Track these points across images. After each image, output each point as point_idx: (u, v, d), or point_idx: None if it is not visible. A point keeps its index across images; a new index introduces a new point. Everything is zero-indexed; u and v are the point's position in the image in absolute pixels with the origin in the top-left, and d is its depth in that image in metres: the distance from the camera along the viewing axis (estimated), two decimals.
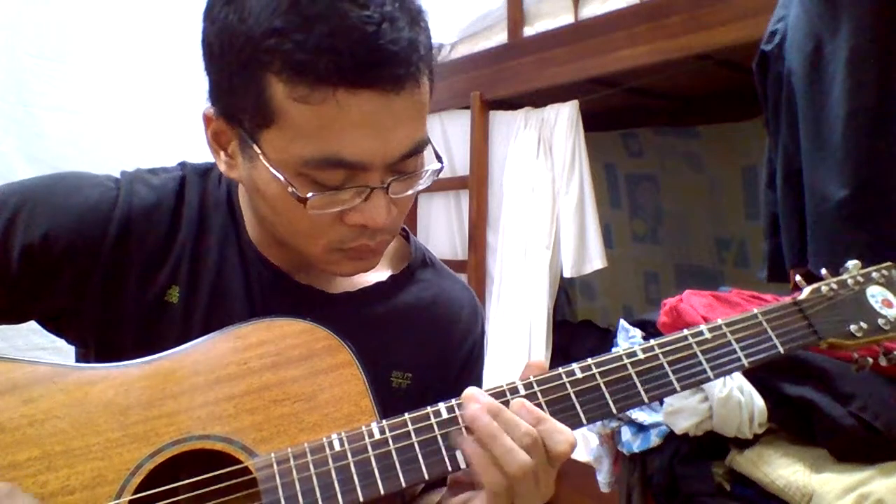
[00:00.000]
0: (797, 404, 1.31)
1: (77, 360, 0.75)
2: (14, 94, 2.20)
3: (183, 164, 0.77)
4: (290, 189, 0.60)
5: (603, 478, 1.70)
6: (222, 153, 0.66)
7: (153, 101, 2.43)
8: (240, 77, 0.58)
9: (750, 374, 1.37)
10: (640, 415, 1.50)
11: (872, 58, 1.23)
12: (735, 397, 1.32)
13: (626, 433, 1.53)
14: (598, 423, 1.59)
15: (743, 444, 1.36)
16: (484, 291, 2.64)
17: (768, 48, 1.46)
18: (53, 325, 0.72)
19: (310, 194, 0.59)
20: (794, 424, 1.34)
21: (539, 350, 2.44)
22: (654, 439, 1.46)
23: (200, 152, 0.76)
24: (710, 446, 1.40)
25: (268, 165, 0.60)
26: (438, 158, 0.66)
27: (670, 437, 1.44)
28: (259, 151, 0.61)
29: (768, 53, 1.46)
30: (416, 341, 0.77)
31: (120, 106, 2.39)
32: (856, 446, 1.25)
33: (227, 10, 0.57)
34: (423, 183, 0.66)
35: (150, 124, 2.42)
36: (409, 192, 0.65)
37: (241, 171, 0.65)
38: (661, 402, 1.45)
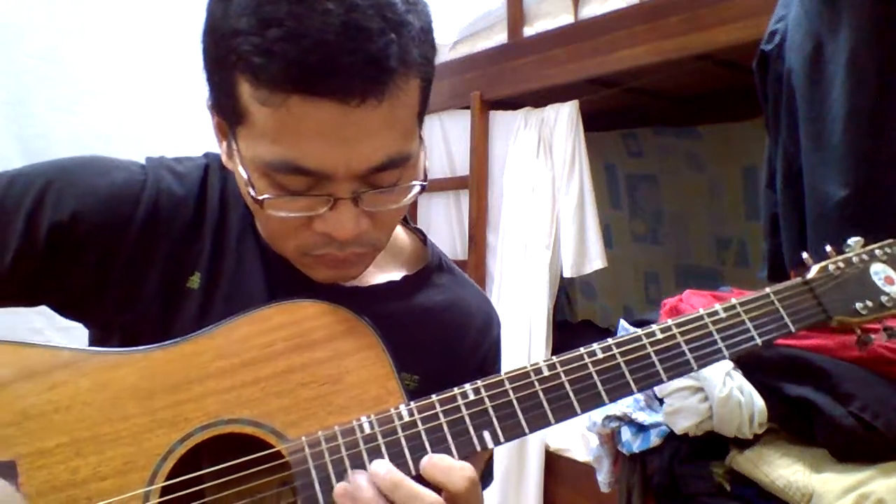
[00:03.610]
0: (797, 404, 1.31)
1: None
2: (14, 94, 2.19)
3: (207, 154, 0.77)
4: (248, 188, 0.59)
5: (603, 478, 1.70)
6: (224, 144, 0.66)
7: (153, 101, 2.43)
8: (216, 73, 0.58)
9: (750, 374, 1.37)
10: (640, 415, 1.50)
11: (872, 58, 1.23)
12: (735, 397, 1.32)
13: (626, 433, 1.53)
14: (598, 424, 1.59)
15: (743, 444, 1.36)
16: (484, 291, 2.64)
17: (768, 48, 1.46)
18: (73, 310, 0.71)
19: (264, 196, 0.59)
20: (794, 424, 1.34)
21: (539, 350, 2.44)
22: (654, 439, 1.46)
23: (201, 152, 0.76)
24: (710, 446, 1.40)
25: (237, 162, 0.60)
26: (424, 177, 0.64)
27: (670, 437, 1.44)
28: (235, 148, 0.61)
29: (768, 53, 1.46)
30: (426, 345, 0.76)
31: (119, 106, 2.38)
32: (856, 446, 1.25)
33: (217, 4, 0.57)
34: (406, 200, 0.63)
35: (150, 124, 2.42)
36: (391, 207, 0.63)
37: (233, 163, 0.65)
38: (661, 402, 1.45)
